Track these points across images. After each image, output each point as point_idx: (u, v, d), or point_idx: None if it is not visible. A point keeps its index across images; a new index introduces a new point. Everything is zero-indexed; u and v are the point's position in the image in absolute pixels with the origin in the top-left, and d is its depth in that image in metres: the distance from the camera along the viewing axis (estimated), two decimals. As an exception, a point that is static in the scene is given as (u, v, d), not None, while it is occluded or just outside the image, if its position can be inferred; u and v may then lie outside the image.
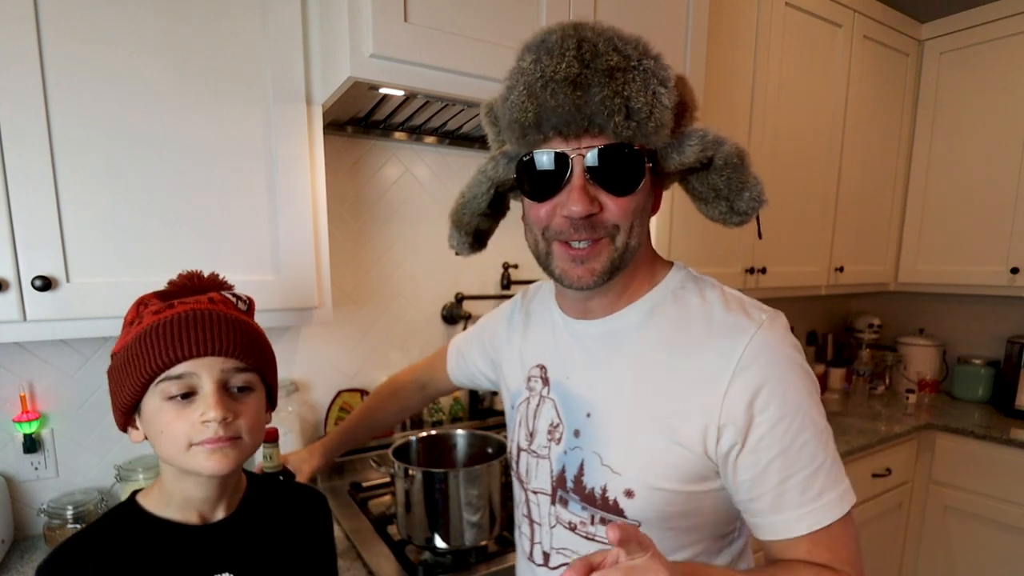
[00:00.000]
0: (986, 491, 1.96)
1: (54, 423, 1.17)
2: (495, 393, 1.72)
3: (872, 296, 2.74)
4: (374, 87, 1.03)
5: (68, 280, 0.90)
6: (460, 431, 1.24)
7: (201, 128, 1.00)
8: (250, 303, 0.70)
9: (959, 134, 2.21)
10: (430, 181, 1.59)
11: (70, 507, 1.09)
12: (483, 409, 1.70)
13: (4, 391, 1.13)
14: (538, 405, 0.73)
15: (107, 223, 0.93)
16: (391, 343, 1.59)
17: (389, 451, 1.11)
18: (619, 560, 0.45)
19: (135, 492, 0.67)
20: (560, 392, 0.71)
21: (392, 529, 1.19)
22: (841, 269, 2.16)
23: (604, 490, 0.64)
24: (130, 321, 0.63)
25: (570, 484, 0.68)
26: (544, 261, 0.64)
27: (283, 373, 1.42)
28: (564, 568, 0.61)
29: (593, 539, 0.67)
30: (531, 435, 0.74)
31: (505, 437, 1.18)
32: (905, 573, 2.19)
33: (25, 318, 0.88)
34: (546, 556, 0.73)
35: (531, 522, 0.75)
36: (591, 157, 0.56)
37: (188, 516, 0.64)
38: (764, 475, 0.57)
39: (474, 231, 0.74)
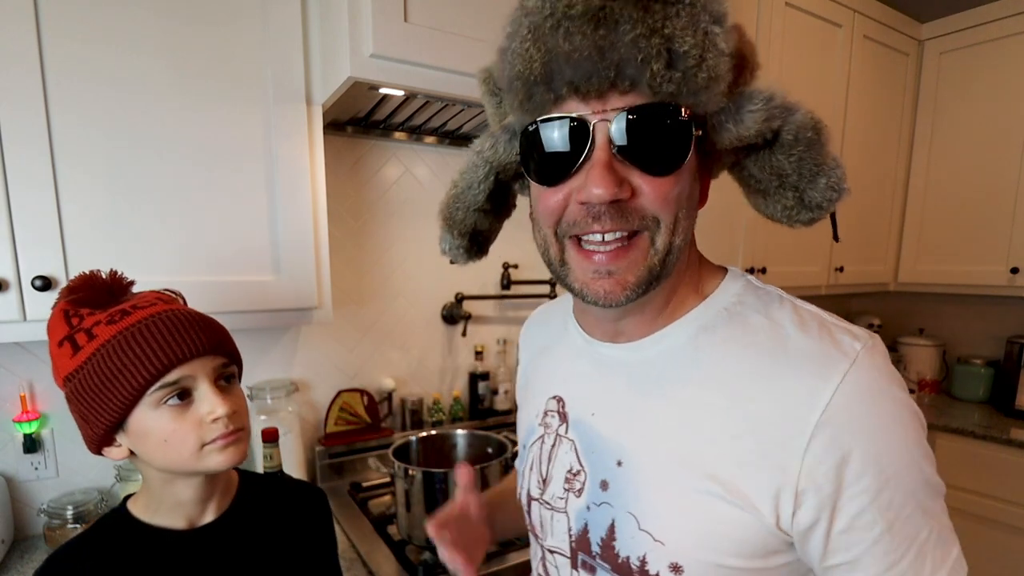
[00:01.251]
0: (986, 491, 1.96)
1: (54, 423, 1.17)
2: (495, 392, 1.72)
3: (872, 296, 2.74)
4: (374, 87, 1.03)
5: (68, 280, 0.90)
6: (460, 431, 1.25)
7: (201, 128, 1.00)
8: (180, 294, 0.70)
9: (959, 134, 2.21)
10: (430, 181, 1.59)
11: (70, 507, 1.09)
12: (483, 409, 1.70)
13: (4, 391, 1.13)
14: (553, 446, 0.59)
15: (107, 223, 0.93)
16: (391, 343, 1.59)
17: (389, 451, 1.11)
18: None
19: (127, 498, 0.66)
20: (582, 432, 0.56)
21: (392, 529, 1.19)
22: (841, 269, 2.16)
23: (643, 562, 0.49)
24: (66, 336, 0.58)
25: (596, 549, 0.53)
26: (558, 270, 0.50)
27: (283, 373, 1.42)
28: None
29: None
30: (544, 482, 0.59)
31: (506, 437, 1.18)
32: (905, 573, 2.19)
33: (25, 318, 0.88)
34: None
35: None
36: (619, 122, 0.42)
37: (176, 521, 0.63)
38: (860, 561, 0.44)
39: (470, 232, 0.60)
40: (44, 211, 0.88)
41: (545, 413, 0.61)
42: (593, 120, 0.42)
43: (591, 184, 0.43)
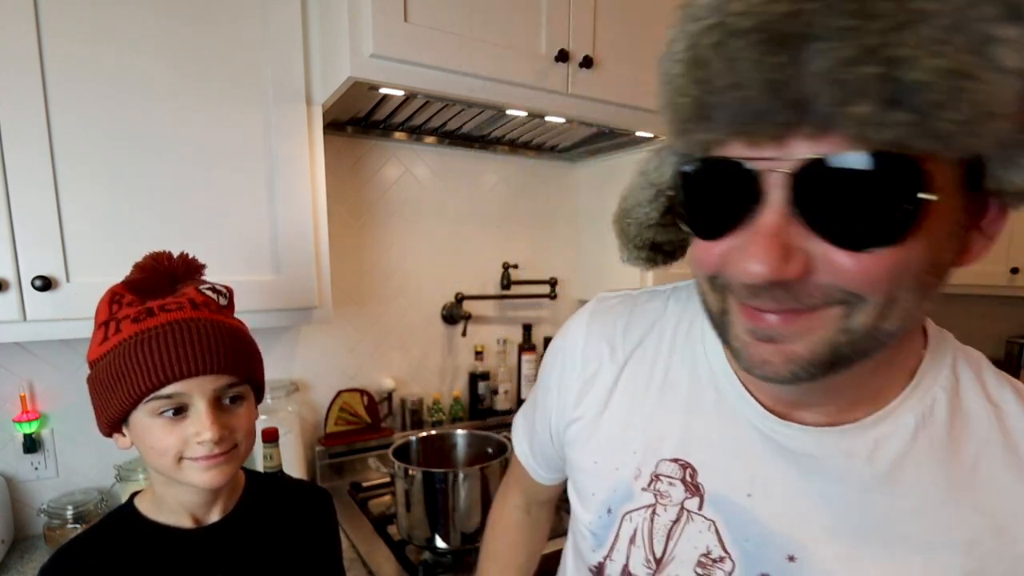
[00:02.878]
0: (986, 491, 1.96)
1: (54, 423, 1.17)
2: (495, 392, 1.71)
3: (872, 296, 2.74)
4: (374, 87, 1.03)
5: (68, 280, 0.90)
6: (460, 431, 1.25)
7: (201, 128, 1.00)
8: (230, 294, 0.67)
9: (959, 134, 2.21)
10: (430, 181, 1.59)
11: (70, 507, 1.09)
12: (483, 409, 1.70)
13: (4, 391, 1.13)
14: (675, 522, 0.47)
15: (107, 223, 0.93)
16: (391, 343, 1.59)
17: (389, 451, 1.11)
18: None
19: (134, 495, 0.67)
20: (732, 514, 0.45)
21: (392, 529, 1.19)
22: (841, 269, 2.16)
23: None
24: (104, 321, 0.60)
25: None
26: (718, 321, 0.40)
27: (283, 373, 1.42)
28: None
29: None
30: (657, 561, 0.48)
31: (505, 437, 1.18)
32: (905, 573, 2.19)
33: (25, 318, 0.88)
34: None
35: None
36: (804, 176, 0.30)
37: (181, 520, 0.63)
38: None
39: (649, 244, 0.50)
40: (44, 211, 0.88)
41: (656, 478, 0.48)
42: (764, 170, 0.31)
43: (749, 257, 0.32)
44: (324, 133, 1.15)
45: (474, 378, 1.69)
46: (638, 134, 1.39)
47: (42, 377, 1.15)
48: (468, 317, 1.64)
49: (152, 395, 0.56)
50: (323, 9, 1.07)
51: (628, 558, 0.49)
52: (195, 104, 0.99)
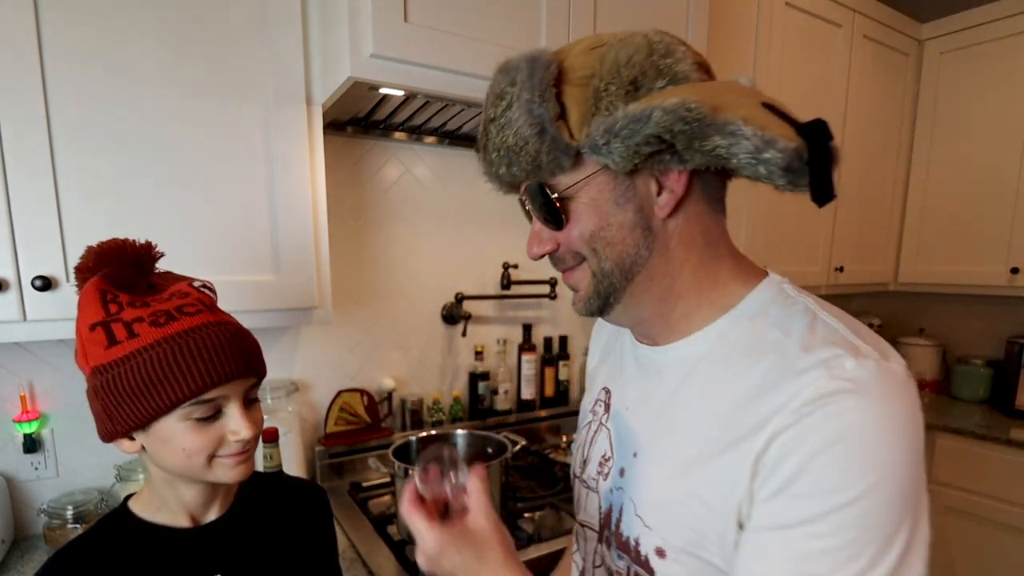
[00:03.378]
0: (986, 491, 1.96)
1: (54, 423, 1.17)
2: (495, 392, 1.72)
3: (872, 296, 2.74)
4: (374, 87, 1.03)
5: (68, 280, 0.90)
6: (460, 431, 1.25)
7: (201, 128, 1.00)
8: (214, 289, 0.68)
9: (959, 134, 2.21)
10: (430, 181, 1.59)
11: (70, 507, 1.09)
12: (483, 409, 1.70)
13: (4, 391, 1.13)
14: (595, 432, 0.65)
15: (107, 223, 0.93)
16: (391, 343, 1.59)
17: (389, 451, 1.11)
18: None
19: (128, 497, 0.66)
20: (617, 423, 0.62)
21: (392, 529, 1.19)
22: (841, 269, 2.16)
23: (637, 543, 0.55)
24: (100, 322, 0.56)
25: (612, 527, 0.59)
26: None
27: (283, 373, 1.42)
28: None
29: None
30: (584, 462, 0.66)
31: (505, 437, 1.18)
32: (905, 573, 2.19)
33: (25, 318, 0.88)
34: None
35: (586, 560, 0.67)
36: (524, 203, 0.56)
37: (179, 519, 0.64)
38: (803, 566, 0.44)
39: None
40: (44, 211, 0.88)
41: (596, 402, 0.68)
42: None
43: (528, 247, 0.57)
44: (324, 133, 1.15)
45: (474, 378, 1.69)
46: (638, 134, 1.39)
47: (42, 377, 1.15)
48: (468, 317, 1.64)
49: (193, 401, 0.56)
50: (323, 9, 1.07)
51: (575, 461, 0.69)
52: (195, 104, 0.99)
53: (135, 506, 0.64)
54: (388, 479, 1.36)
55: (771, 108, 0.46)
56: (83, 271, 0.62)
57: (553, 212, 0.52)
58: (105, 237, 0.93)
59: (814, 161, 0.44)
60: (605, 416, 0.64)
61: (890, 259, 2.40)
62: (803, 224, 2.02)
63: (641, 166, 0.48)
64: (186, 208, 1.00)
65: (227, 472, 0.61)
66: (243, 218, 1.05)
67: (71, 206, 0.90)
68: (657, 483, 0.54)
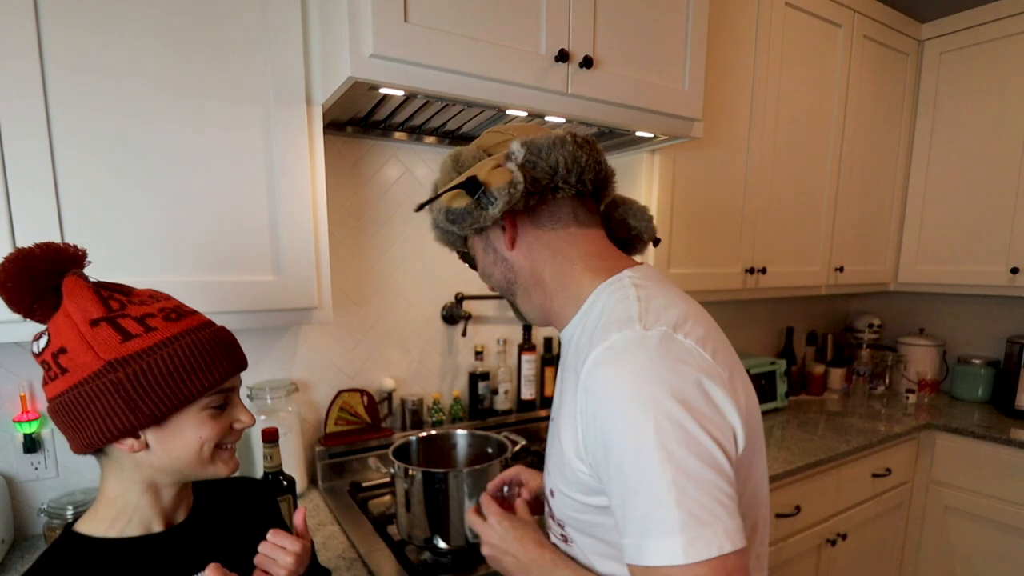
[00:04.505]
0: (986, 491, 1.96)
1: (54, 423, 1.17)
2: (495, 392, 1.72)
3: (872, 296, 2.74)
4: (374, 87, 1.03)
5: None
6: (460, 431, 1.25)
7: (201, 128, 1.00)
8: None
9: (959, 134, 2.21)
10: (430, 181, 1.58)
11: (70, 507, 1.09)
12: (483, 409, 1.70)
13: (4, 391, 1.13)
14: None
15: (107, 223, 0.94)
16: (391, 343, 1.59)
17: (389, 451, 1.11)
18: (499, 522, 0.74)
19: (69, 530, 0.62)
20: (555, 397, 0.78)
21: (392, 529, 1.19)
22: (841, 269, 2.16)
23: (546, 487, 0.73)
24: (103, 317, 0.57)
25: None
26: None
27: (283, 373, 1.42)
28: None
29: (550, 531, 0.76)
30: None
31: (505, 437, 1.18)
32: (905, 573, 2.19)
33: (25, 318, 0.88)
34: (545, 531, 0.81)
35: None
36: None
37: (153, 526, 0.63)
38: (609, 495, 0.57)
39: None
40: (44, 211, 0.88)
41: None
42: None
43: None
44: (324, 133, 1.15)
45: (474, 378, 1.69)
46: (638, 134, 1.39)
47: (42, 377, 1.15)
48: (468, 317, 1.64)
49: (217, 389, 0.61)
50: (323, 9, 1.07)
51: None
52: (195, 104, 0.99)
53: (91, 529, 0.61)
54: (388, 479, 1.36)
55: (465, 181, 0.65)
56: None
57: (470, 266, 0.81)
58: (106, 237, 0.93)
59: (452, 214, 0.66)
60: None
61: (890, 259, 2.40)
62: (803, 224, 2.02)
63: (476, 226, 0.66)
64: (186, 208, 1.00)
65: (225, 464, 0.64)
66: (243, 218, 1.05)
67: (71, 206, 0.90)
68: (552, 438, 0.70)
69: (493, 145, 0.70)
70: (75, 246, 0.61)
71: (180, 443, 0.60)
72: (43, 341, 0.59)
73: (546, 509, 0.77)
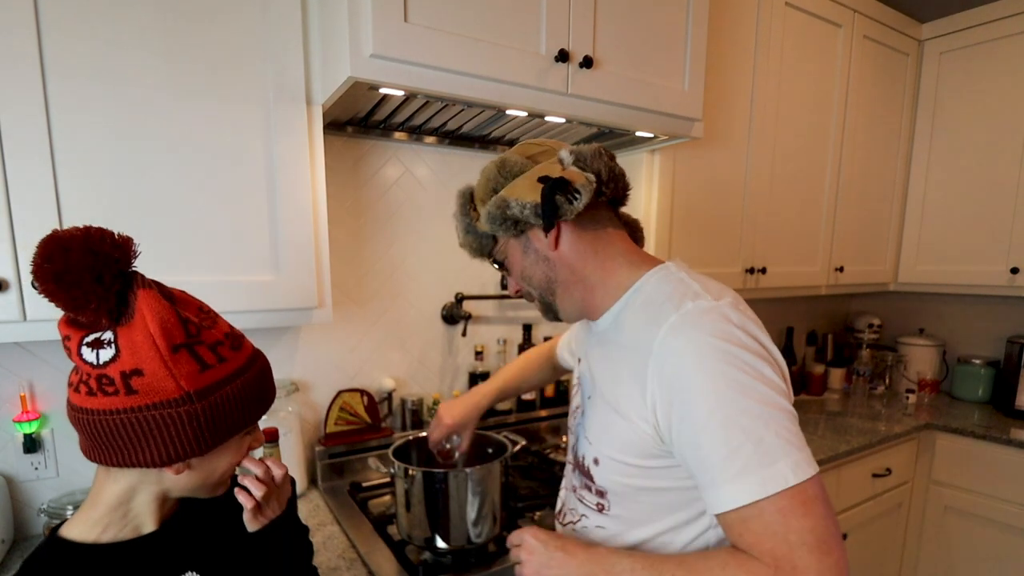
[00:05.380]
0: (986, 491, 1.96)
1: (54, 423, 1.17)
2: (495, 393, 1.72)
3: (872, 296, 2.74)
4: (374, 87, 1.03)
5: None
6: (460, 431, 1.24)
7: (201, 128, 1.00)
8: None
9: (959, 134, 2.21)
10: (430, 181, 1.59)
11: (70, 507, 1.09)
12: (483, 409, 1.70)
13: (4, 391, 1.13)
14: (575, 389, 0.89)
15: (107, 223, 0.92)
16: (391, 343, 1.59)
17: (389, 451, 1.11)
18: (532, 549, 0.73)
19: (55, 532, 0.59)
20: (583, 379, 0.84)
21: (392, 529, 1.19)
22: (841, 269, 2.16)
23: (583, 458, 0.79)
24: (183, 343, 0.54)
25: (575, 455, 0.83)
26: None
27: (283, 373, 1.42)
28: (569, 524, 0.84)
29: (583, 501, 0.81)
30: (571, 414, 0.89)
31: (505, 437, 1.18)
32: (905, 573, 2.19)
33: (25, 318, 0.88)
34: (563, 515, 0.88)
35: (564, 489, 0.90)
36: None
37: (145, 526, 0.62)
38: (693, 454, 0.62)
39: None
40: (44, 211, 0.88)
41: (580, 360, 0.88)
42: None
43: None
44: (324, 133, 1.15)
45: (474, 378, 1.69)
46: (638, 134, 1.39)
47: (42, 377, 1.15)
48: (468, 317, 1.64)
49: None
50: (323, 9, 1.07)
51: (568, 411, 0.92)
52: (195, 104, 0.99)
53: (80, 534, 0.58)
54: (388, 479, 1.36)
55: (541, 179, 0.69)
56: (54, 274, 0.49)
57: (500, 270, 0.83)
58: (105, 237, 0.93)
59: (542, 207, 0.68)
60: (579, 376, 0.87)
61: (890, 259, 2.40)
62: (803, 224, 2.02)
63: (522, 228, 0.74)
64: (186, 208, 1.00)
65: (226, 486, 0.66)
66: (243, 218, 1.05)
67: (71, 206, 0.90)
68: (596, 412, 0.76)
69: (534, 154, 0.76)
70: (130, 238, 0.54)
71: (214, 466, 0.61)
72: (107, 353, 0.53)
73: (572, 480, 0.84)
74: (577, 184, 0.68)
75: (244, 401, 0.59)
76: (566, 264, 0.75)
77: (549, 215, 0.68)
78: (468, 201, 0.80)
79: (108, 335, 0.53)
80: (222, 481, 0.64)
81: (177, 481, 0.59)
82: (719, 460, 0.59)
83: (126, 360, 0.52)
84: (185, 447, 0.55)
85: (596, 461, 0.75)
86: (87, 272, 0.49)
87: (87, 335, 0.53)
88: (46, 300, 0.50)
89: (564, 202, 0.68)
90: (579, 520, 0.82)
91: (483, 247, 0.81)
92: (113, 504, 0.59)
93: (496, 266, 0.83)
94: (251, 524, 0.70)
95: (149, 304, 0.53)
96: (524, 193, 0.69)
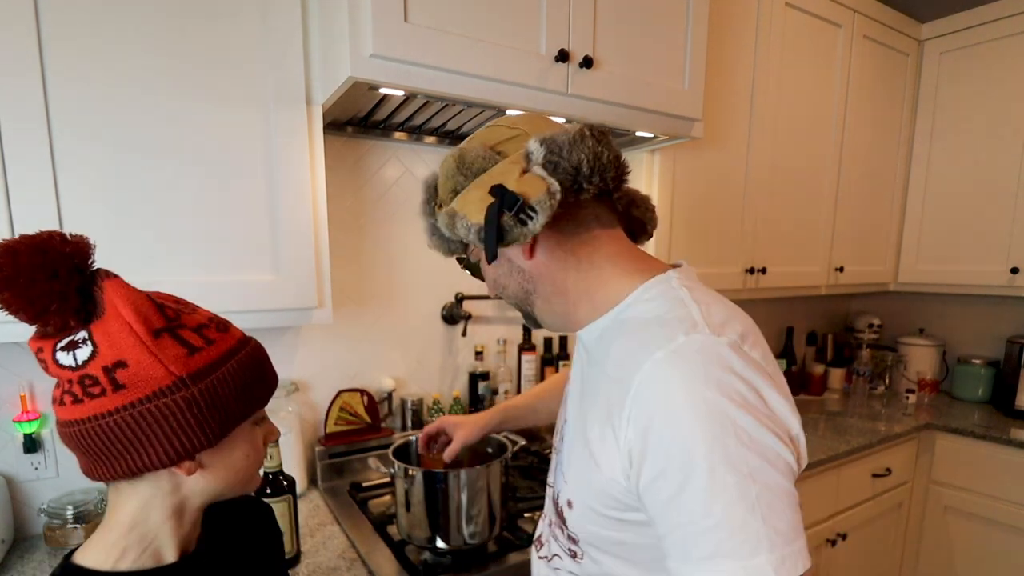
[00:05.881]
0: (986, 491, 1.96)
1: (54, 423, 1.17)
2: (495, 393, 1.72)
3: (872, 296, 2.74)
4: (374, 87, 1.03)
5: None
6: (460, 431, 1.24)
7: (201, 129, 1.00)
8: None
9: (959, 134, 2.21)
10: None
11: (70, 507, 1.09)
12: (483, 409, 1.70)
13: (4, 391, 1.13)
14: (565, 403, 0.77)
15: (107, 223, 0.93)
16: (391, 343, 1.59)
17: (389, 451, 1.11)
18: None
19: (68, 559, 0.56)
20: (566, 397, 0.74)
21: (392, 529, 1.19)
22: (841, 269, 2.16)
23: (558, 495, 0.68)
24: (164, 328, 0.51)
25: (552, 479, 0.74)
26: None
27: (283, 373, 1.42)
28: (544, 560, 0.75)
29: (556, 539, 0.72)
30: (559, 426, 0.77)
31: (505, 437, 1.18)
32: (905, 573, 2.19)
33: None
34: (540, 544, 0.78)
35: (544, 511, 0.81)
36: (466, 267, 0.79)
37: (168, 555, 0.57)
38: (663, 517, 0.52)
39: None
40: (44, 212, 0.88)
41: (570, 380, 0.78)
42: None
43: None
44: (324, 133, 1.15)
45: (474, 378, 1.69)
46: (638, 134, 1.39)
47: (42, 377, 1.15)
48: (468, 317, 1.64)
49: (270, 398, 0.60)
50: (323, 9, 1.07)
51: (554, 427, 0.82)
52: (195, 104, 0.99)
53: (96, 561, 0.54)
54: (388, 479, 1.36)
55: (493, 190, 0.57)
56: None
57: (474, 275, 0.75)
58: (106, 238, 0.93)
59: (485, 231, 0.57)
60: (568, 388, 0.76)
61: (890, 259, 2.40)
62: (803, 224, 2.02)
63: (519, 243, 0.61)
64: (186, 208, 1.00)
65: (258, 478, 0.63)
66: (243, 218, 1.05)
67: (71, 207, 0.90)
68: (575, 448, 0.64)
69: (501, 142, 0.63)
70: (84, 236, 0.52)
71: (230, 461, 0.56)
72: (85, 352, 0.49)
73: (549, 513, 0.74)
74: (532, 200, 0.55)
75: (244, 383, 0.54)
76: (543, 275, 0.65)
77: (491, 243, 0.56)
78: (432, 196, 0.69)
79: (81, 334, 0.50)
80: (249, 477, 0.59)
81: (194, 485, 0.55)
82: (691, 534, 0.50)
83: (106, 354, 0.49)
84: (191, 439, 0.51)
85: (570, 504, 0.65)
86: (39, 271, 0.47)
87: (59, 340, 0.50)
88: (5, 314, 0.47)
89: (514, 225, 0.56)
90: (552, 559, 0.73)
91: (451, 248, 0.70)
92: (128, 524, 0.55)
93: (468, 272, 0.74)
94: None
95: (118, 292, 0.50)
96: (472, 210, 0.58)
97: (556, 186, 0.56)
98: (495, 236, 0.56)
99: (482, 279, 0.72)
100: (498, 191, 0.56)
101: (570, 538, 0.67)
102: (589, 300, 0.65)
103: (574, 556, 0.67)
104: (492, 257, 0.57)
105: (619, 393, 0.55)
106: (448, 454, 1.02)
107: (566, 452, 0.67)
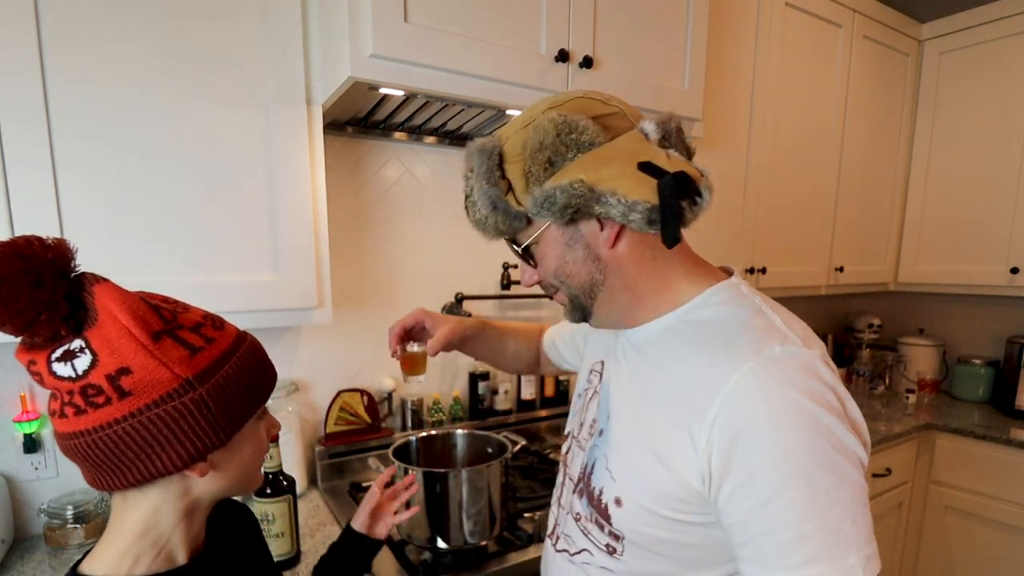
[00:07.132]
0: (986, 491, 1.96)
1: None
2: (495, 392, 1.72)
3: (872, 296, 2.74)
4: (374, 87, 1.03)
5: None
6: (460, 431, 1.24)
7: (201, 129, 1.00)
8: None
9: (959, 134, 2.21)
10: (430, 181, 1.59)
11: (70, 507, 1.09)
12: (483, 409, 1.70)
13: (4, 391, 1.13)
14: (590, 399, 0.75)
15: (108, 223, 0.94)
16: (391, 343, 1.59)
17: (389, 451, 1.11)
18: None
19: (75, 569, 0.54)
20: (604, 391, 0.72)
21: (392, 529, 1.18)
22: (841, 269, 2.16)
23: (601, 492, 0.66)
24: (163, 330, 0.50)
25: (586, 479, 0.70)
26: None
27: (283, 373, 1.42)
28: (564, 553, 0.72)
29: (587, 535, 0.68)
30: (581, 425, 0.75)
31: (505, 437, 1.18)
32: (905, 573, 2.19)
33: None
34: (556, 537, 0.76)
35: (558, 504, 0.78)
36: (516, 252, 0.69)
37: (178, 558, 0.56)
38: (746, 524, 0.53)
39: None
40: (45, 212, 0.88)
41: (591, 371, 0.77)
42: None
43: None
44: (324, 133, 1.15)
45: (474, 378, 1.69)
46: (638, 134, 1.39)
47: (42, 377, 1.15)
48: (468, 317, 1.64)
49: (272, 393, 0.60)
50: (323, 9, 1.07)
51: (573, 424, 0.79)
52: (194, 104, 0.99)
53: (107, 569, 0.53)
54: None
55: (645, 167, 0.55)
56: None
57: (523, 258, 0.66)
58: (106, 238, 0.93)
59: (664, 213, 0.54)
60: (600, 384, 0.74)
61: (890, 259, 2.40)
62: (803, 224, 2.02)
63: (576, 217, 0.59)
64: (186, 208, 1.00)
65: (260, 474, 0.62)
66: (243, 218, 1.05)
67: (71, 207, 0.90)
68: (624, 442, 0.64)
69: (604, 115, 0.59)
70: (64, 240, 0.49)
71: (239, 459, 0.56)
72: (84, 361, 0.47)
73: (575, 505, 0.71)
74: (700, 185, 0.55)
75: (248, 379, 0.54)
76: (619, 267, 0.62)
77: (672, 226, 0.53)
78: (497, 165, 0.62)
79: (77, 343, 0.47)
80: (254, 473, 0.59)
81: (206, 485, 0.54)
82: (784, 541, 0.51)
83: (107, 362, 0.47)
84: (203, 440, 0.50)
85: (618, 502, 0.63)
86: (22, 277, 0.44)
87: (53, 351, 0.47)
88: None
89: (688, 207, 0.55)
90: (579, 553, 0.70)
91: (511, 228, 0.63)
92: (139, 531, 0.53)
93: (520, 254, 0.66)
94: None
95: (112, 296, 0.48)
96: (627, 187, 0.54)
97: (706, 171, 0.57)
98: (677, 217, 0.54)
99: (534, 264, 0.66)
100: (653, 168, 0.54)
101: (612, 535, 0.65)
102: (655, 299, 0.64)
103: (612, 552, 0.65)
104: (673, 241, 0.54)
105: (700, 399, 0.55)
106: (432, 346, 0.94)
107: (613, 452, 0.65)
